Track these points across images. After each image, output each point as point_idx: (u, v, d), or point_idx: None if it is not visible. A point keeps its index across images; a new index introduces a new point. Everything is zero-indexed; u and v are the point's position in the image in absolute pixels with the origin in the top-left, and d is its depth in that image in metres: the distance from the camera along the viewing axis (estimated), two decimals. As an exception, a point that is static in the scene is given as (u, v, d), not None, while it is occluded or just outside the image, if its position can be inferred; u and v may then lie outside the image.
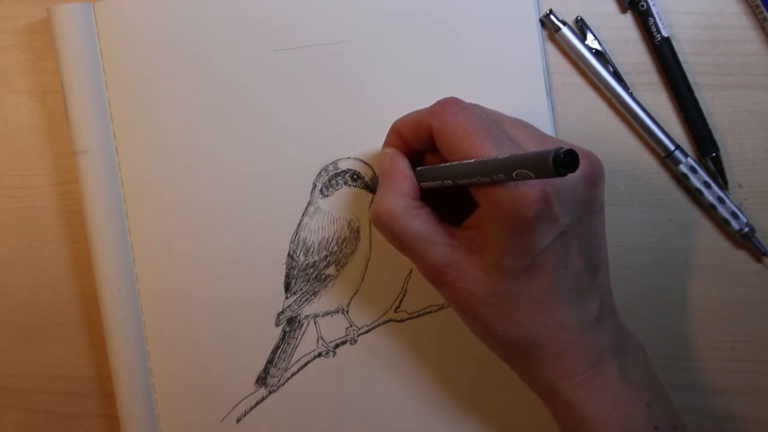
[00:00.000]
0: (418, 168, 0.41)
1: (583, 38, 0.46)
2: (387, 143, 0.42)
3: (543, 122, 0.45)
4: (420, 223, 0.39)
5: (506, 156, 0.34)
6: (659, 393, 0.40)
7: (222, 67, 0.47)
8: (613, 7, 0.46)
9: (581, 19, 0.46)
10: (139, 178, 0.47)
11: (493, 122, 0.38)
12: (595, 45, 0.46)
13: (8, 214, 0.50)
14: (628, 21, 0.46)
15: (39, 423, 0.50)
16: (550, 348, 0.38)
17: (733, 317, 0.46)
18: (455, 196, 0.40)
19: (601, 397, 0.38)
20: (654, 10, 0.45)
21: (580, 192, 0.38)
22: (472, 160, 0.36)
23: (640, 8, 0.46)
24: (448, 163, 0.38)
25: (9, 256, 0.50)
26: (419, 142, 0.40)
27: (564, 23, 0.46)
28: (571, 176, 0.37)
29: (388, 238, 0.40)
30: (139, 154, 0.47)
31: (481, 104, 0.40)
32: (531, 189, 0.35)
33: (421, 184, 0.40)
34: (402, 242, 0.39)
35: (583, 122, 0.46)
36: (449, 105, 0.39)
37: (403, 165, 0.41)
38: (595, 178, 0.38)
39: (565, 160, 0.31)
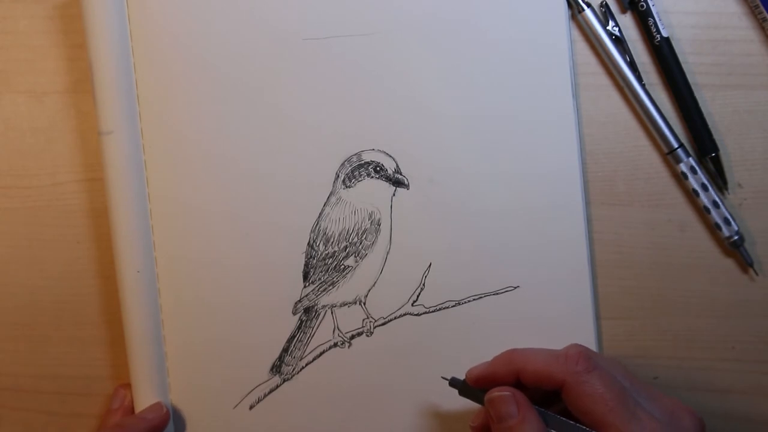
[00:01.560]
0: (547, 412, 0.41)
1: (605, 24, 0.46)
2: (497, 375, 0.42)
3: (567, 116, 0.46)
4: None
5: None
6: None
7: (251, 53, 0.47)
8: (613, 8, 0.46)
9: (606, 4, 0.46)
10: (162, 160, 0.47)
11: (623, 388, 0.39)
12: (615, 32, 0.46)
13: (8, 214, 0.49)
14: (627, 21, 0.46)
15: (39, 423, 0.50)
16: None
17: (733, 317, 0.46)
18: None
19: None
20: (654, 10, 0.45)
21: None
22: None
23: (640, 8, 0.46)
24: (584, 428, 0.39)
25: (9, 256, 0.50)
26: (533, 384, 0.41)
27: (588, 5, 0.46)
28: None
29: None
30: (164, 137, 0.47)
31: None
32: None
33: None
34: None
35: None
36: (582, 361, 0.40)
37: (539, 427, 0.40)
38: None
39: None
